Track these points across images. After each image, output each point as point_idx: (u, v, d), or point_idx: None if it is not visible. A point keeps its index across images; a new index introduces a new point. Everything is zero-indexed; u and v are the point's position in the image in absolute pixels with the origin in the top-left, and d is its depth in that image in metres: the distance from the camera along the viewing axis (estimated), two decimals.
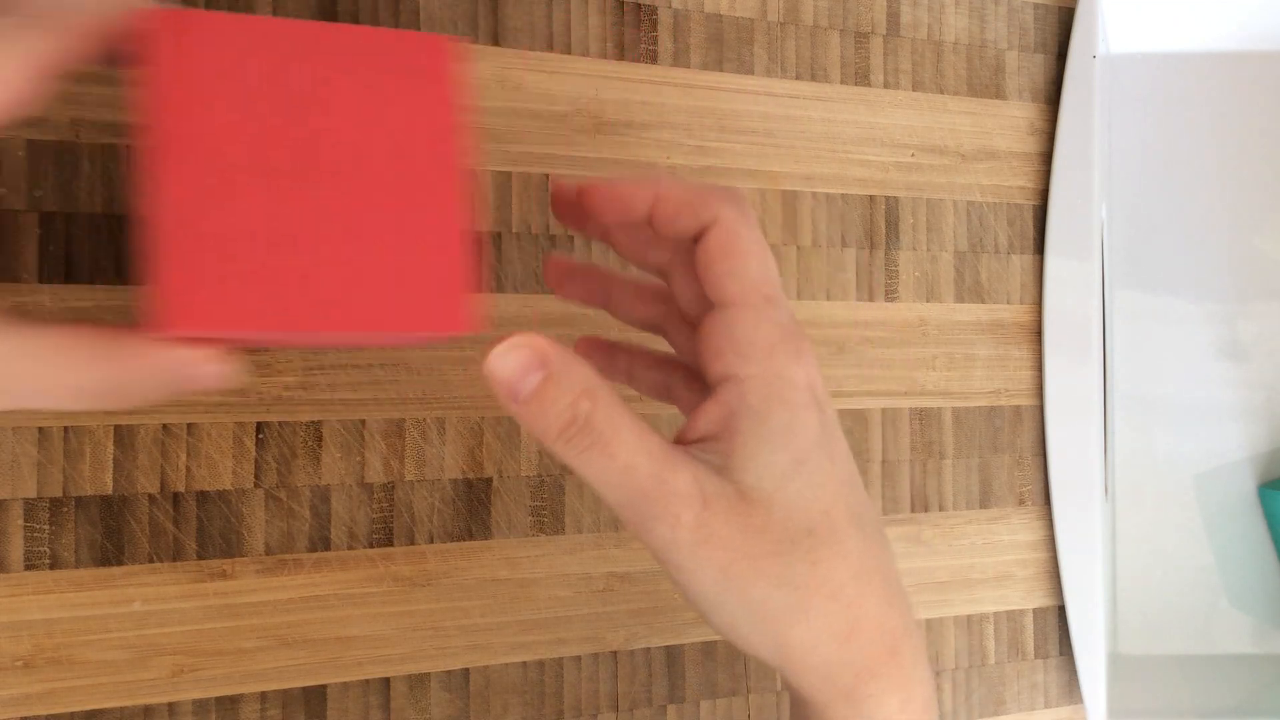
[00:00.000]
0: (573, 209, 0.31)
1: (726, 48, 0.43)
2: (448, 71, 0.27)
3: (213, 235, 0.24)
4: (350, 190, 0.26)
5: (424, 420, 0.38)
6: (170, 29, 0.24)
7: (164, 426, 0.35)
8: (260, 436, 0.36)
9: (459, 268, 0.26)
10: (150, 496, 0.35)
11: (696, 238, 0.28)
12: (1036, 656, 0.49)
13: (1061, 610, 0.49)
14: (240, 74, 0.25)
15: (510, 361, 0.25)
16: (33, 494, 0.34)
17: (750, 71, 0.44)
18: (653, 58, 0.42)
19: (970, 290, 0.48)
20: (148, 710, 0.35)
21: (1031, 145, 0.49)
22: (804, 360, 0.27)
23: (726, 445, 0.27)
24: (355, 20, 0.38)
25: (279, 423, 0.36)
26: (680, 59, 0.43)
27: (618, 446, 0.25)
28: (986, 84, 0.48)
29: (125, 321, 0.26)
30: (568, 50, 0.41)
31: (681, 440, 0.28)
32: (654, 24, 0.42)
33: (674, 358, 0.33)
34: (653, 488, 0.25)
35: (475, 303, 0.27)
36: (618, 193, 0.28)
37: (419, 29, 0.39)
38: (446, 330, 0.26)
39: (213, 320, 0.24)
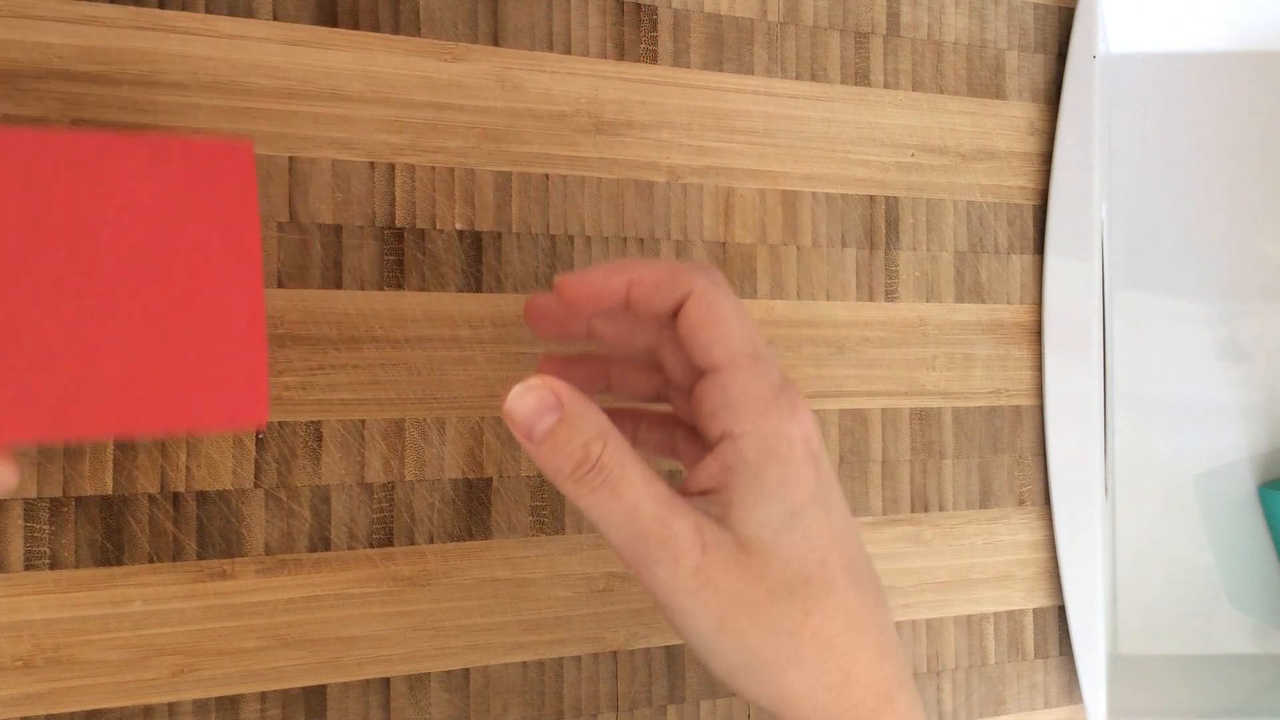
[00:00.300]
0: (548, 318, 0.32)
1: (726, 48, 0.43)
2: (239, 174, 0.28)
3: None
4: (141, 295, 0.26)
5: (424, 420, 0.38)
6: None
7: None
8: (260, 436, 0.36)
9: (255, 362, 0.27)
10: (150, 496, 0.35)
11: (675, 312, 0.29)
12: (1036, 656, 0.49)
13: (1061, 610, 0.49)
14: (19, 190, 0.25)
15: (527, 402, 0.27)
16: (33, 494, 0.34)
17: (750, 71, 0.44)
18: (653, 58, 0.42)
19: (970, 290, 0.48)
20: (148, 710, 0.35)
21: (1031, 145, 0.49)
22: (799, 416, 0.28)
23: (725, 498, 0.28)
24: (355, 20, 0.38)
25: (279, 423, 0.36)
26: (680, 59, 0.43)
27: (625, 488, 0.26)
28: (986, 84, 0.48)
29: None
30: (568, 50, 0.41)
31: (683, 493, 0.29)
32: (654, 24, 0.42)
33: (675, 416, 0.34)
34: (656, 530, 0.26)
35: (265, 395, 0.28)
36: (592, 283, 0.29)
37: (419, 29, 0.39)
38: (238, 424, 0.27)
39: None
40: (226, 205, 0.27)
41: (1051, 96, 0.50)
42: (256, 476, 0.36)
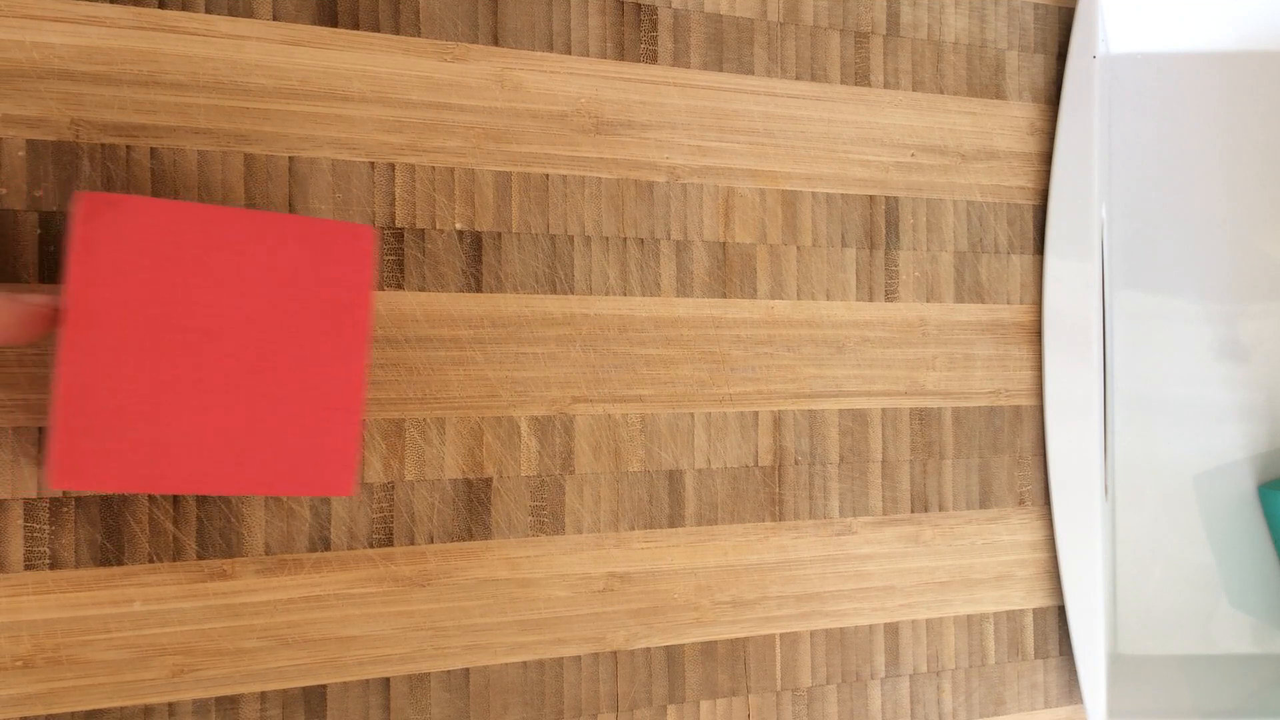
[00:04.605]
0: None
1: (726, 48, 0.43)
2: (358, 257, 0.29)
3: (106, 403, 0.26)
4: (252, 362, 0.28)
5: (424, 420, 0.38)
6: (93, 212, 0.26)
7: None
8: None
9: (349, 436, 0.29)
10: (150, 496, 0.35)
11: None
12: (1036, 656, 0.49)
13: (1061, 610, 0.49)
14: (152, 254, 0.27)
15: None
16: (33, 494, 0.34)
17: (750, 71, 0.44)
18: (653, 58, 0.42)
19: (970, 290, 0.48)
20: (148, 710, 0.35)
21: (1031, 145, 0.49)
22: None
23: None
24: (355, 20, 0.38)
25: None
26: (680, 59, 0.43)
27: None
28: (986, 84, 0.48)
29: None
30: (568, 50, 0.41)
31: None
32: (654, 24, 0.42)
33: None
34: None
35: (354, 468, 0.29)
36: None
37: (419, 29, 0.39)
38: (324, 492, 0.29)
39: (91, 483, 0.26)
40: (342, 284, 0.29)
41: (1051, 96, 0.50)
42: None
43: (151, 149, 0.35)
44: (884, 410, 0.46)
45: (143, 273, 0.27)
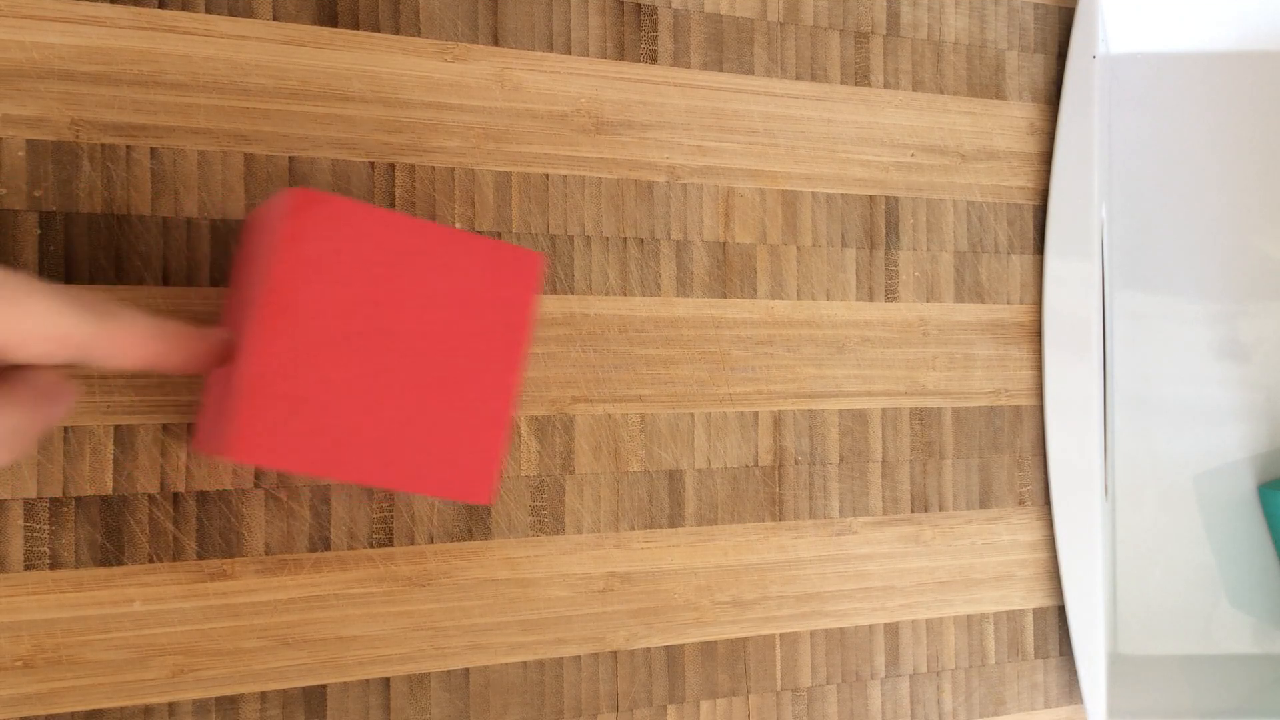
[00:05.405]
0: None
1: (726, 48, 0.43)
2: (526, 281, 0.31)
3: (288, 387, 0.28)
4: (418, 367, 0.29)
5: None
6: (301, 206, 0.28)
7: (164, 426, 0.35)
8: None
9: (495, 448, 0.31)
10: (150, 496, 0.35)
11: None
12: (1036, 656, 0.49)
13: (1061, 610, 0.49)
14: (349, 253, 0.29)
15: None
16: (33, 494, 0.34)
17: (750, 71, 0.44)
18: (653, 58, 0.42)
19: (970, 290, 0.48)
20: (148, 710, 0.35)
21: (1031, 145, 0.49)
22: None
23: None
24: (355, 20, 0.38)
25: None
26: (680, 59, 0.43)
27: None
28: (986, 84, 0.48)
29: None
30: (568, 50, 0.41)
31: None
32: (654, 24, 0.42)
33: None
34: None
35: (496, 479, 0.31)
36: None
37: (419, 29, 0.39)
38: (465, 499, 0.31)
39: (267, 459, 0.28)
40: (508, 305, 0.31)
41: (1051, 96, 0.50)
42: (256, 476, 0.36)
43: (151, 149, 0.35)
44: (884, 410, 0.46)
45: (336, 269, 0.28)
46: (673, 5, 0.42)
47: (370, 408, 0.29)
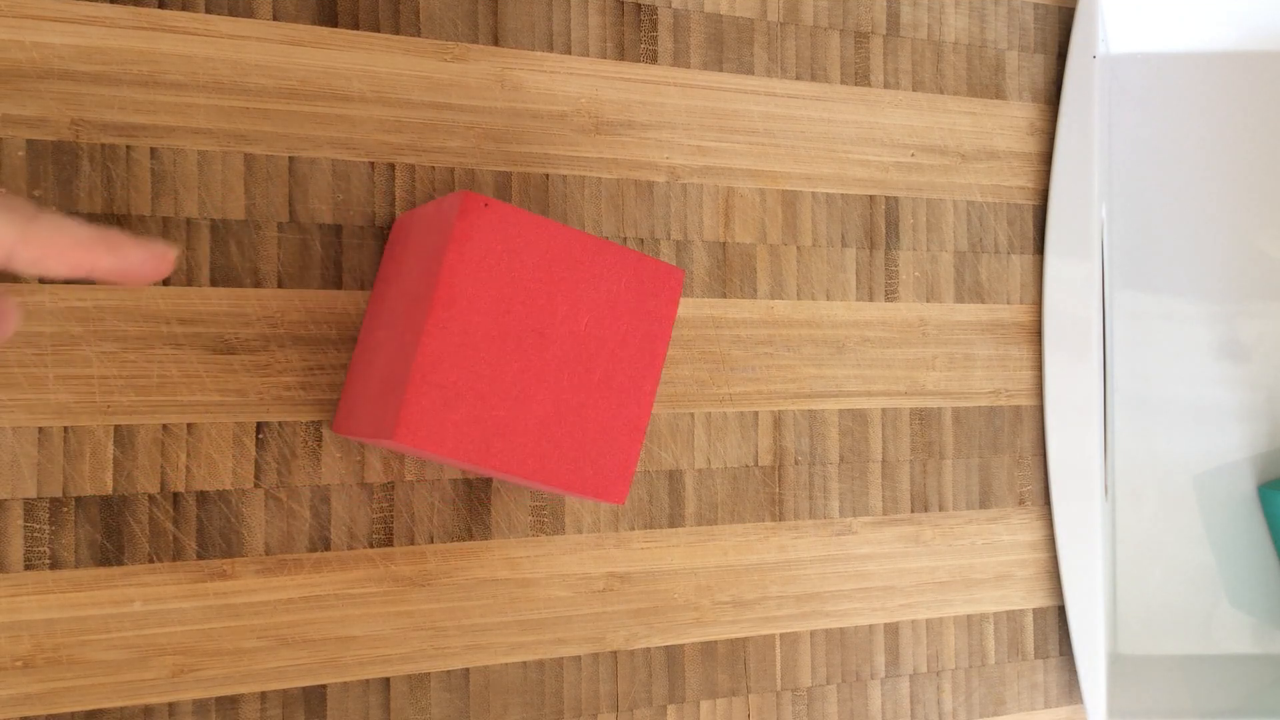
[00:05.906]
0: None
1: (726, 48, 0.43)
2: (668, 295, 0.33)
3: (454, 377, 0.30)
4: (567, 369, 0.31)
5: None
6: (471, 208, 0.30)
7: (164, 427, 0.35)
8: (260, 436, 0.36)
9: (632, 452, 0.32)
10: (150, 496, 0.35)
11: None
12: (1036, 656, 0.49)
13: (1061, 610, 0.49)
14: (511, 256, 0.31)
15: None
16: (33, 494, 0.34)
17: (750, 71, 0.44)
18: (653, 58, 0.42)
19: (970, 290, 0.48)
20: (148, 710, 0.35)
21: (1031, 145, 0.49)
22: None
23: None
24: (355, 20, 0.38)
25: (279, 423, 0.36)
26: (680, 59, 0.43)
27: None
28: (986, 84, 0.48)
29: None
30: (568, 50, 0.41)
31: None
32: (654, 24, 0.42)
33: None
34: None
35: (629, 481, 0.33)
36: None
37: (419, 29, 0.39)
38: (600, 498, 0.32)
39: (428, 444, 0.29)
40: (650, 316, 0.33)
41: (1051, 96, 0.50)
42: (256, 476, 0.36)
43: (151, 149, 0.35)
44: (884, 410, 0.46)
45: (500, 270, 0.30)
46: (673, 5, 0.42)
47: (522, 404, 0.31)
